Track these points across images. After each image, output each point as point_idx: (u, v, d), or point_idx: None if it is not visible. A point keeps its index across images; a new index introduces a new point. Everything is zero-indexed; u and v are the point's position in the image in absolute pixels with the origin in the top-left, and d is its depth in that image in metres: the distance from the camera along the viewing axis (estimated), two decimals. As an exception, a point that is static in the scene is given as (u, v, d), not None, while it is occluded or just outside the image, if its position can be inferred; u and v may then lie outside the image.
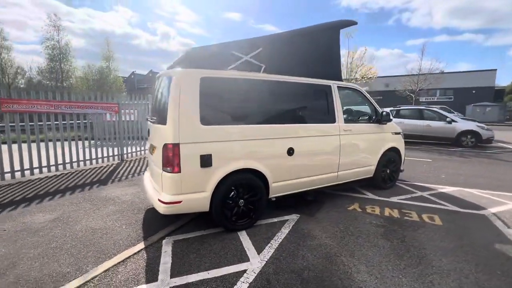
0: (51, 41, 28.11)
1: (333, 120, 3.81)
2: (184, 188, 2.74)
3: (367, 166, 4.35)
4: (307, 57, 3.80)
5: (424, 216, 3.51)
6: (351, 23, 4.13)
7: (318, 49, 3.88)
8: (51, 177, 5.44)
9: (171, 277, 2.24)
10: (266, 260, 2.51)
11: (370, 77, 16.19)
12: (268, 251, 2.65)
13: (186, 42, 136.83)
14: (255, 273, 2.31)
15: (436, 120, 10.28)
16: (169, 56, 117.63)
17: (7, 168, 5.09)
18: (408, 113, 11.12)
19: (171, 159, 2.66)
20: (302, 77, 3.58)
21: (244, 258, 2.54)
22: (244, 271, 2.33)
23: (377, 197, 4.26)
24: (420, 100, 30.90)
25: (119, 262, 2.46)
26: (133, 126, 7.86)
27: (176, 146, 2.66)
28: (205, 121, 2.79)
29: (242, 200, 3.09)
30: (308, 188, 3.71)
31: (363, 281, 2.20)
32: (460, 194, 4.44)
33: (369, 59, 19.72)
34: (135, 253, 2.62)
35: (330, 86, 3.85)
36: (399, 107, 11.85)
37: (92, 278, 2.23)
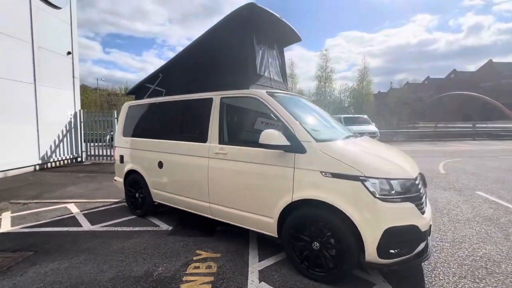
0: (323, 69, 36.47)
1: (204, 139, 3.19)
2: (117, 173, 4.57)
3: (259, 215, 2.75)
4: (210, 67, 3.56)
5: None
6: (246, 8, 2.93)
7: (218, 55, 3.42)
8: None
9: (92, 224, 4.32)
10: (92, 228, 3.64)
11: None
12: (101, 227, 3.68)
13: (509, 27, 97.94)
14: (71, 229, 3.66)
15: None
16: (477, 53, 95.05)
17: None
18: None
19: (115, 154, 4.63)
20: (204, 91, 3.43)
21: (84, 225, 3.86)
22: (85, 233, 3.73)
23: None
24: None
25: (98, 205, 4.99)
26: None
27: (115, 147, 4.58)
28: (124, 134, 4.38)
29: (137, 194, 4.15)
30: (188, 209, 3.52)
31: None
32: None
33: None
34: (109, 203, 4.98)
35: (211, 99, 3.23)
36: None
37: (89, 202, 4.98)
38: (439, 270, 2.59)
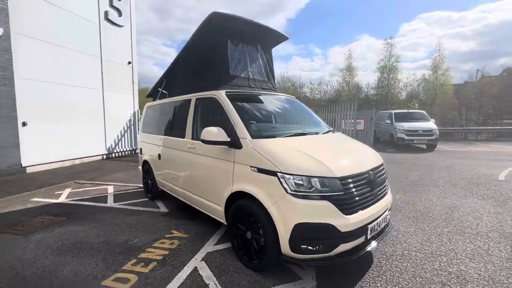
0: (386, 59, 32.93)
1: (184, 135, 3.66)
2: (140, 163, 5.51)
3: (212, 202, 3.09)
4: (196, 69, 4.01)
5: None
6: (214, 15, 3.21)
7: (199, 59, 3.84)
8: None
9: (114, 202, 5.41)
10: (112, 205, 4.59)
11: None
12: (118, 205, 4.59)
13: None
14: (101, 204, 4.66)
15: None
16: None
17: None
18: None
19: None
20: (193, 93, 3.88)
21: (108, 202, 4.82)
22: (106, 208, 4.75)
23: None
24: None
25: (128, 188, 6.08)
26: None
27: (139, 142, 5.53)
28: (143, 130, 5.25)
29: (149, 181, 4.96)
30: (177, 196, 4.06)
31: (67, 229, 3.66)
32: None
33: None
34: (137, 187, 6.02)
35: (190, 100, 3.67)
36: None
37: (124, 185, 6.13)
38: (384, 277, 2.42)
